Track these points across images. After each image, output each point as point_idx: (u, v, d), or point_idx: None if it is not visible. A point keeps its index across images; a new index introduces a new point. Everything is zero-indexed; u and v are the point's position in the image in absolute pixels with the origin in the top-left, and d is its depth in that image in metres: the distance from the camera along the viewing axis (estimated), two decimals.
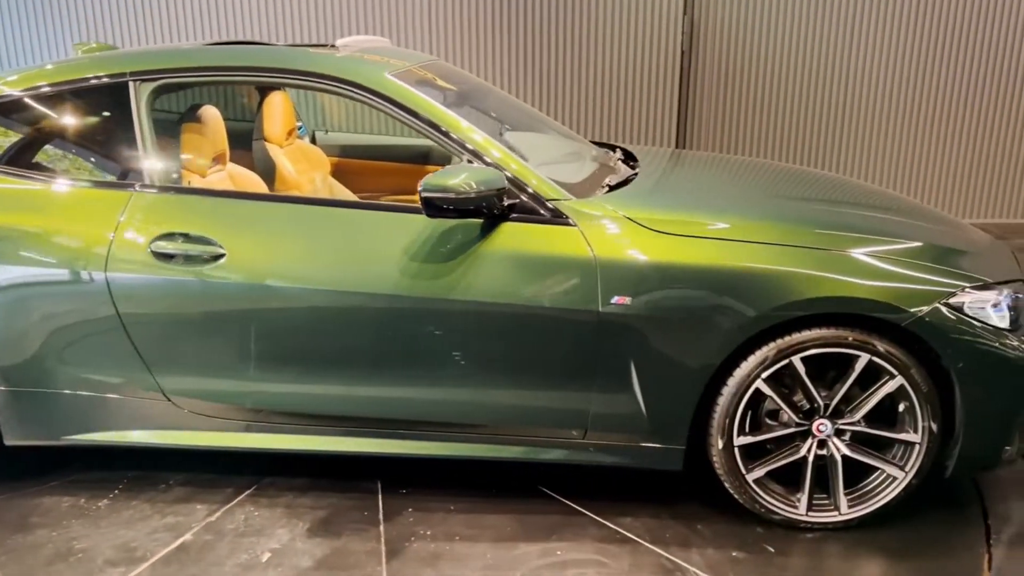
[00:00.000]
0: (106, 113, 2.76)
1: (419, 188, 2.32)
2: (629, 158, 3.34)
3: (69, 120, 2.76)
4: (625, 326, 2.44)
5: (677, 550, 2.48)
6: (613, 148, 3.55)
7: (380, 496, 2.76)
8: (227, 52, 2.79)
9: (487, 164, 2.52)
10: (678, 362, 2.46)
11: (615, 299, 2.43)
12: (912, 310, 2.37)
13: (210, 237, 2.52)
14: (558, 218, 2.49)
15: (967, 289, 2.43)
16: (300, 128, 4.05)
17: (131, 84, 2.67)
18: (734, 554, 2.47)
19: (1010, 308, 2.51)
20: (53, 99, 2.72)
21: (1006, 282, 2.56)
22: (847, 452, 2.52)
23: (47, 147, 2.78)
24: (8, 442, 2.72)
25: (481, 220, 2.47)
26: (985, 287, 2.46)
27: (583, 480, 2.80)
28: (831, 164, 6.32)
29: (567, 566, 2.40)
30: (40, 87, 2.72)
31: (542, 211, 2.50)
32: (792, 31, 6.05)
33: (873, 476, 2.57)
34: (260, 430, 2.68)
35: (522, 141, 3.33)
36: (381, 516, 2.65)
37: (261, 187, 3.15)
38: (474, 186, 2.34)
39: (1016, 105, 6.10)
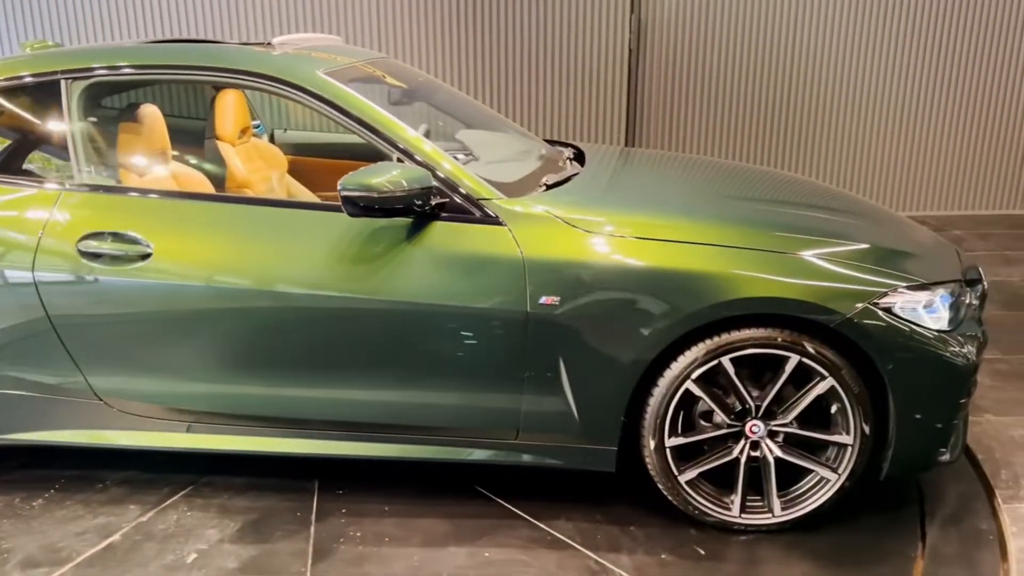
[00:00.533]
0: (39, 111, 2.74)
1: (338, 186, 2.30)
2: (579, 157, 3.32)
3: (2, 118, 2.75)
4: (554, 326, 2.42)
5: (606, 552, 2.46)
6: (568, 146, 3.53)
7: (316, 496, 2.74)
8: (159, 50, 2.78)
9: (417, 163, 2.50)
10: (607, 363, 2.43)
11: (543, 299, 2.41)
12: (840, 311, 2.34)
13: (137, 236, 2.51)
14: (488, 217, 2.47)
15: (900, 290, 2.41)
16: (258, 127, 4.04)
17: (63, 82, 2.66)
18: (663, 556, 2.45)
19: (949, 308, 2.49)
20: None
21: (943, 283, 2.53)
22: (780, 454, 2.50)
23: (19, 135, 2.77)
24: None
25: (409, 219, 2.45)
26: (919, 288, 2.44)
27: (523, 480, 2.78)
28: (779, 159, 6.48)
29: (491, 567, 2.39)
30: None
31: (473, 210, 2.48)
32: (739, 28, 6.14)
33: (807, 478, 2.54)
34: (193, 430, 2.67)
35: (470, 138, 3.32)
36: (314, 517, 2.63)
37: (206, 186, 3.13)
38: (396, 185, 2.32)
39: (956, 102, 6.33)
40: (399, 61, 3.72)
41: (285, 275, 2.48)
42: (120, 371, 2.61)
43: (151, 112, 2.89)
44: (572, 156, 3.32)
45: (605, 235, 2.44)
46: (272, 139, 4.08)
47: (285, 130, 4.18)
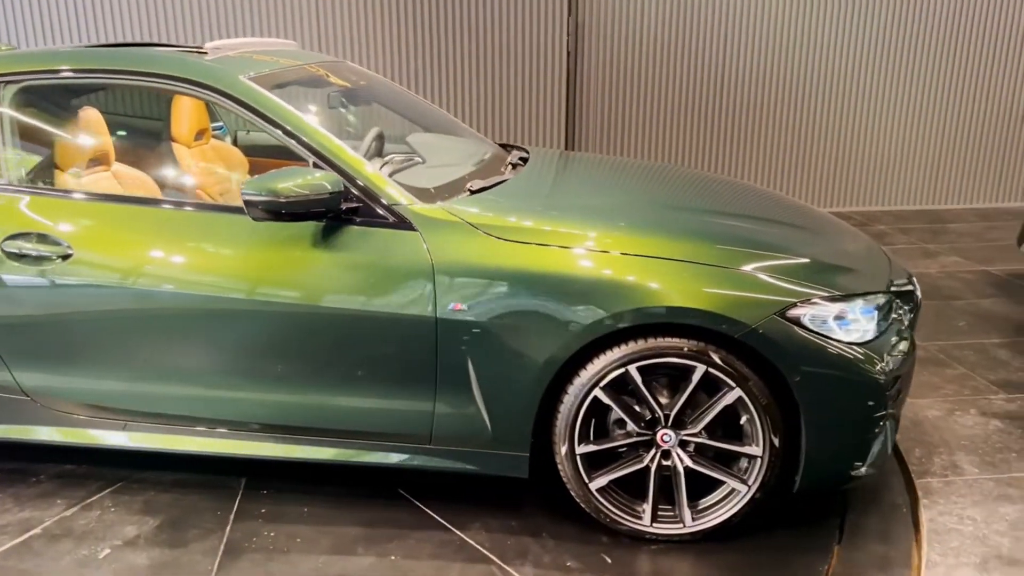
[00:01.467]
0: None
1: (241, 190, 2.33)
2: (526, 161, 3.32)
3: None
4: (462, 332, 2.43)
5: (513, 559, 2.46)
6: (519, 150, 3.54)
7: (239, 496, 2.78)
8: (90, 54, 2.83)
9: (333, 166, 2.51)
10: (516, 370, 2.44)
11: (452, 305, 2.42)
12: (745, 322, 2.32)
13: (58, 238, 2.56)
14: (401, 223, 2.48)
15: (810, 301, 2.38)
16: (220, 128, 4.09)
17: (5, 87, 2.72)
18: (569, 564, 2.45)
19: (868, 320, 2.46)
20: None
21: (861, 294, 2.50)
22: (690, 464, 2.49)
23: None
24: None
25: (322, 223, 2.47)
26: (830, 299, 2.41)
27: (447, 485, 2.79)
28: (712, 158, 6.83)
29: (395, 571, 2.40)
30: None
31: (386, 215, 2.49)
32: (674, 29, 6.46)
33: (718, 490, 2.53)
34: (123, 428, 2.71)
35: (419, 142, 3.34)
36: (232, 516, 2.67)
37: (150, 187, 3.18)
38: (303, 190, 2.34)
39: (877, 103, 6.83)
40: (356, 65, 3.74)
41: (196, 278, 2.51)
42: (45, 369, 2.67)
43: (91, 115, 2.94)
44: (518, 161, 3.33)
45: (514, 242, 2.44)
46: (235, 141, 4.13)
47: (248, 132, 4.23)
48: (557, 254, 2.43)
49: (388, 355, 2.50)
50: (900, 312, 2.68)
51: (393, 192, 2.52)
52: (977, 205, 7.14)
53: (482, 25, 6.23)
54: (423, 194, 2.59)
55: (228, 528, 2.61)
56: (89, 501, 2.76)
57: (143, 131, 3.69)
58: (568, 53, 6.20)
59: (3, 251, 2.57)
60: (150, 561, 2.45)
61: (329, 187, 2.39)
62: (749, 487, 2.47)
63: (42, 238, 2.58)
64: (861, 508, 2.70)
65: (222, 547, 2.51)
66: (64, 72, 2.75)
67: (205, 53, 2.86)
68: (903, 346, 2.57)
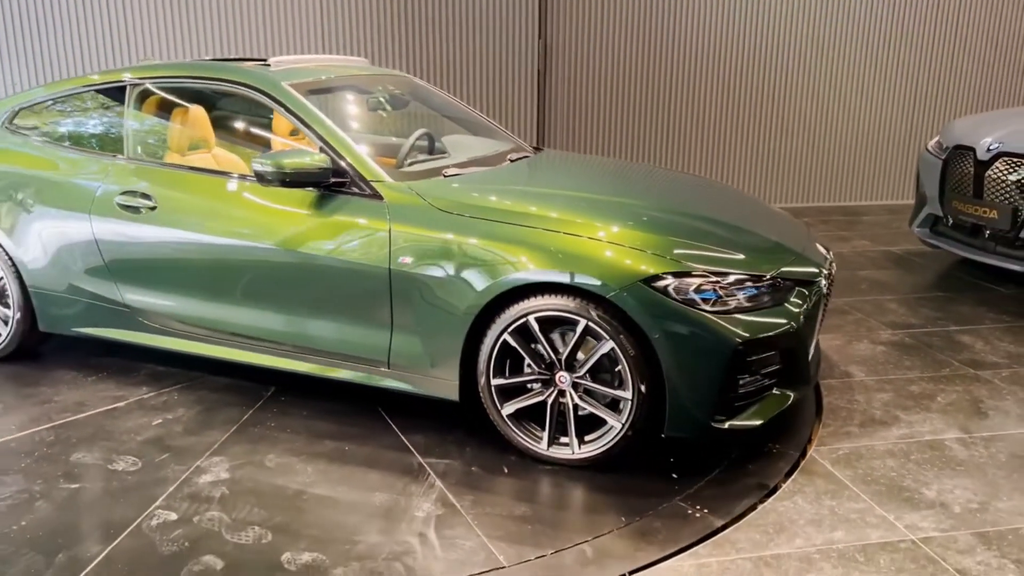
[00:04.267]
0: (113, 106, 3.92)
1: (253, 162, 3.21)
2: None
3: (96, 109, 3.96)
4: (408, 281, 3.16)
5: (431, 456, 3.16)
6: (539, 150, 4.27)
7: (263, 399, 3.66)
8: (185, 64, 3.87)
9: (332, 151, 3.34)
10: (446, 313, 3.13)
11: (401, 259, 3.16)
12: (613, 286, 2.87)
13: (150, 195, 3.59)
14: (374, 195, 3.26)
15: (674, 273, 2.87)
16: None
17: (128, 87, 3.82)
18: (473, 468, 3.10)
19: (736, 296, 2.91)
20: (82, 96, 3.94)
21: (734, 273, 2.96)
22: (577, 401, 3.05)
23: (84, 123, 3.99)
24: (42, 328, 3.97)
25: (317, 192, 3.30)
26: (688, 274, 2.89)
27: (420, 412, 3.47)
28: (665, 157, 8.07)
29: (342, 455, 3.17)
30: (90, 86, 3.94)
31: (364, 188, 3.28)
32: (636, 51, 7.61)
33: (603, 427, 3.06)
34: (185, 337, 3.70)
35: (451, 141, 4.14)
36: (252, 411, 3.55)
37: (241, 167, 4.18)
38: (301, 166, 3.18)
39: (801, 110, 8.13)
40: (419, 80, 4.59)
41: (225, 228, 3.44)
42: (138, 289, 3.71)
43: (196, 110, 3.97)
44: (519, 157, 4.01)
45: (452, 214, 3.14)
46: None
47: None
48: (483, 224, 3.09)
49: (359, 295, 3.27)
50: (789, 295, 3.07)
51: (371, 172, 3.30)
52: (887, 201, 8.50)
53: (457, 48, 7.22)
54: (398, 175, 3.35)
55: (244, 417, 3.50)
56: (162, 391, 3.76)
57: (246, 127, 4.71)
58: (539, 72, 7.18)
59: (118, 203, 3.64)
60: (183, 428, 3.39)
61: (319, 164, 3.21)
62: (623, 425, 2.99)
63: (142, 195, 3.62)
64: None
65: (234, 427, 3.41)
66: (170, 77, 3.80)
67: (268, 65, 3.81)
68: (782, 322, 2.98)
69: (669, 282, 2.89)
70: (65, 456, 3.17)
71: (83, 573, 2.47)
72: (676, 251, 3.00)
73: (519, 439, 3.16)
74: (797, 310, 3.07)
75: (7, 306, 3.99)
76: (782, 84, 7.98)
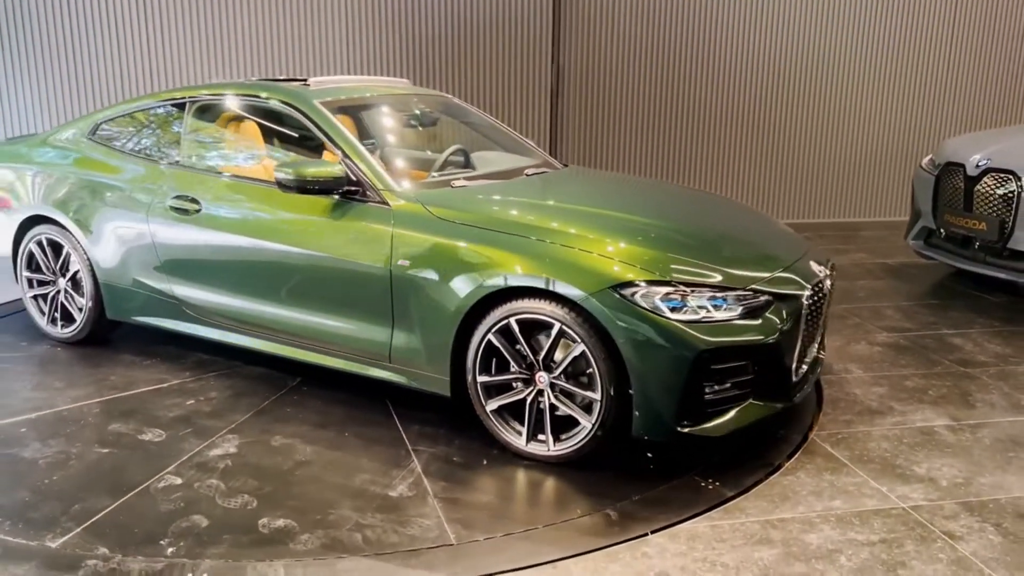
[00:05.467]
0: (175, 119, 4.39)
1: (275, 169, 3.56)
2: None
3: (165, 122, 4.45)
4: (407, 282, 3.43)
5: (420, 445, 3.40)
6: (564, 166, 4.49)
7: (287, 388, 4.00)
8: (229, 83, 4.30)
9: (349, 162, 3.65)
10: (438, 312, 3.37)
11: (400, 261, 3.43)
12: (583, 291, 3.04)
13: (197, 198, 4.01)
14: (382, 202, 3.55)
15: (641, 282, 3.01)
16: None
17: (187, 103, 4.28)
18: (455, 459, 3.32)
19: (706, 307, 3.03)
20: (150, 110, 4.44)
21: (707, 285, 3.07)
22: (554, 401, 3.22)
23: (149, 134, 4.47)
24: (109, 316, 4.47)
25: (334, 199, 3.62)
26: (659, 283, 3.02)
27: (425, 405, 3.74)
28: (673, 174, 8.52)
29: (342, 440, 3.45)
30: (160, 101, 4.44)
31: (374, 196, 3.58)
32: (642, 73, 8.13)
33: (577, 426, 3.22)
34: (221, 328, 4.10)
35: (479, 156, 4.42)
36: (275, 397, 3.90)
37: None
38: (318, 175, 3.50)
39: (800, 133, 8.64)
40: (458, 100, 4.89)
41: (254, 227, 3.82)
42: (183, 283, 4.13)
43: (247, 123, 4.40)
44: (537, 172, 4.23)
45: (447, 221, 3.39)
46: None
47: None
48: (474, 232, 3.33)
49: (364, 294, 3.56)
50: (766, 308, 3.15)
51: (382, 181, 3.59)
52: (883, 218, 8.92)
53: (473, 73, 7.79)
54: (409, 185, 3.64)
55: (265, 403, 3.84)
56: (202, 376, 4.17)
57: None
58: (551, 93, 7.74)
59: (169, 206, 4.08)
60: (210, 409, 3.77)
61: (332, 174, 3.53)
62: (592, 425, 3.14)
63: (190, 199, 4.05)
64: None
65: (254, 411, 3.76)
66: (220, 94, 4.24)
67: (308, 84, 4.18)
68: (753, 334, 3.07)
69: (637, 289, 3.03)
70: (104, 426, 3.59)
71: (90, 521, 2.84)
72: (648, 260, 3.13)
73: (501, 434, 3.35)
74: (773, 323, 3.14)
75: (82, 296, 4.51)
76: (785, 107, 8.50)
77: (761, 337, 3.10)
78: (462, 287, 3.29)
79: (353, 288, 3.60)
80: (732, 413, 3.14)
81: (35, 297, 4.70)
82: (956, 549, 2.72)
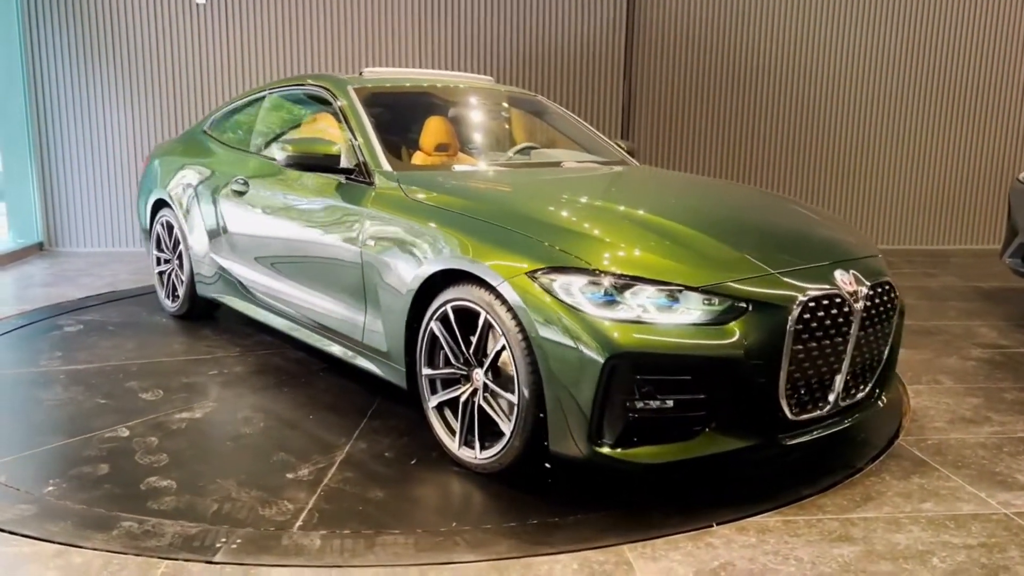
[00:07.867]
0: (254, 110, 4.65)
1: (281, 145, 3.59)
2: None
3: (251, 114, 4.74)
4: (371, 263, 3.28)
5: (362, 440, 3.19)
6: (623, 165, 4.12)
7: (309, 372, 4.01)
8: (291, 78, 4.45)
9: (356, 144, 3.59)
10: (394, 296, 3.17)
11: (368, 241, 3.29)
12: (502, 276, 2.66)
13: (248, 180, 4.20)
14: (372, 183, 3.44)
15: (568, 269, 2.57)
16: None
17: (267, 95, 4.54)
18: (386, 454, 3.06)
19: (646, 306, 2.53)
20: (245, 105, 4.76)
21: (654, 281, 2.55)
22: (481, 402, 2.85)
23: (239, 126, 4.79)
24: (199, 294, 4.83)
25: (341, 180, 3.56)
26: (585, 272, 2.55)
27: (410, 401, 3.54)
28: (751, 172, 8.41)
29: (315, 415, 3.36)
30: (249, 96, 4.77)
31: (368, 177, 3.47)
32: (715, 81, 8.15)
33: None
34: (262, 307, 4.24)
35: (537, 151, 4.20)
36: (277, 381, 3.93)
37: None
38: (317, 151, 3.47)
39: (891, 160, 8.53)
40: (544, 98, 4.68)
41: (274, 210, 3.90)
42: (234, 261, 4.34)
43: (296, 110, 4.51)
44: (577, 164, 3.89)
45: (418, 202, 3.18)
46: None
47: None
48: (437, 214, 3.08)
49: (345, 274, 3.46)
50: (737, 315, 2.54)
51: (376, 163, 3.48)
52: (972, 246, 8.68)
53: (551, 80, 7.91)
54: (405, 167, 3.49)
55: (271, 383, 3.87)
56: (244, 353, 4.33)
57: None
58: (623, 110, 7.97)
59: (232, 188, 4.32)
60: (222, 381, 3.88)
61: (327, 151, 3.48)
62: (512, 433, 2.72)
63: (243, 182, 4.25)
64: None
65: (277, 381, 3.83)
66: (289, 87, 4.42)
67: (361, 75, 4.22)
68: (707, 343, 2.49)
69: (555, 277, 2.59)
70: (123, 382, 3.84)
71: (43, 448, 3.08)
72: (584, 247, 2.66)
73: (438, 433, 3.04)
74: (747, 335, 2.52)
75: (184, 274, 4.92)
76: (876, 131, 8.42)
77: (719, 350, 2.49)
78: (411, 269, 3.06)
79: (335, 269, 3.51)
80: (681, 441, 2.55)
81: (159, 274, 5.22)
82: None
